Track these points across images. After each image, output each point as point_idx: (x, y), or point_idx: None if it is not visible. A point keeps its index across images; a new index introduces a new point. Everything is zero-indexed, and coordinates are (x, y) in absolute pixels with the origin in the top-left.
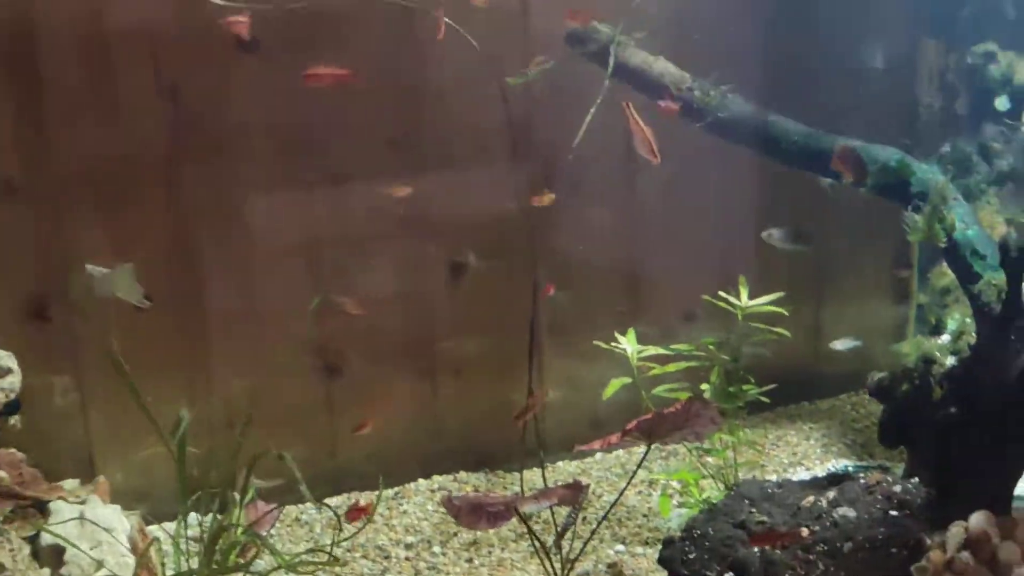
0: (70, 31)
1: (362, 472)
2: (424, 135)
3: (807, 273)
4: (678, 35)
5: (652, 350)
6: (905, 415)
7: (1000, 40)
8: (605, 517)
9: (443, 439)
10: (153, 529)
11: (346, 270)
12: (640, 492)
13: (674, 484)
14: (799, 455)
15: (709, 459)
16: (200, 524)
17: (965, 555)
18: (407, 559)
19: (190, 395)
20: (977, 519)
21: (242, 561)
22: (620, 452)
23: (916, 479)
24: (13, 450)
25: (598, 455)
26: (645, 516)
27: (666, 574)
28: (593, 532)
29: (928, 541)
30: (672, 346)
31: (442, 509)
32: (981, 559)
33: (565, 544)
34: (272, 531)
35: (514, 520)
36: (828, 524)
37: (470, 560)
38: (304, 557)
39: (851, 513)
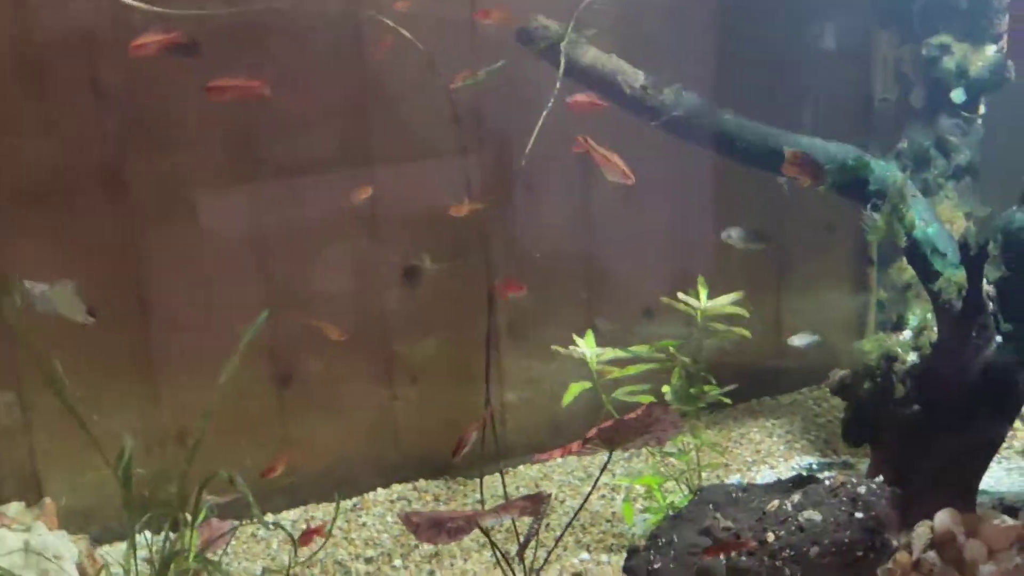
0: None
1: (320, 483)
2: (375, 136)
3: (767, 266)
4: (629, 31)
5: (611, 353)
6: (868, 413)
7: (954, 32)
8: (569, 525)
9: (401, 447)
10: (106, 550)
11: (297, 275)
12: (604, 496)
13: (638, 488)
14: (763, 452)
15: (673, 460)
16: (149, 547)
17: (931, 555)
18: (367, 573)
19: (139, 407)
20: (942, 518)
21: None
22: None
23: (881, 478)
24: None
25: (560, 459)
26: (609, 521)
27: None
28: (557, 541)
29: (895, 542)
30: (631, 348)
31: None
32: (947, 559)
33: (529, 553)
34: (228, 549)
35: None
36: (794, 529)
37: (432, 573)
38: None
39: (816, 517)
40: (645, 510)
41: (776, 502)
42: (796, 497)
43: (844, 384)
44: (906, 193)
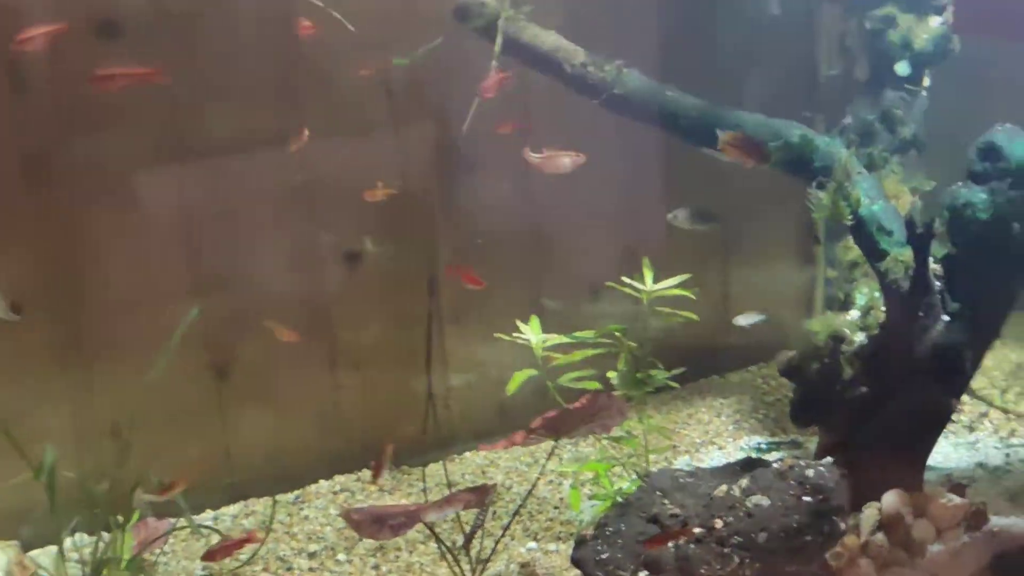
0: None
1: (260, 475)
2: (312, 117)
3: (713, 244)
4: (569, 8)
5: (556, 339)
6: (816, 394)
7: (899, 3)
8: (516, 514)
9: (344, 436)
10: (37, 553)
11: (234, 260)
12: (551, 482)
13: (586, 473)
14: (711, 433)
15: (620, 445)
16: (78, 549)
17: (879, 536)
18: (311, 569)
19: (73, 398)
20: (890, 499)
21: None
22: None
23: (829, 459)
24: None
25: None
26: (556, 508)
27: (579, 574)
28: (504, 531)
29: (843, 525)
30: (577, 333)
31: None
32: (895, 540)
33: (476, 544)
34: (166, 548)
35: None
36: (742, 515)
37: (376, 567)
38: None
39: (764, 502)
40: (593, 496)
41: (724, 487)
42: (744, 481)
43: (792, 365)
44: (851, 170)
